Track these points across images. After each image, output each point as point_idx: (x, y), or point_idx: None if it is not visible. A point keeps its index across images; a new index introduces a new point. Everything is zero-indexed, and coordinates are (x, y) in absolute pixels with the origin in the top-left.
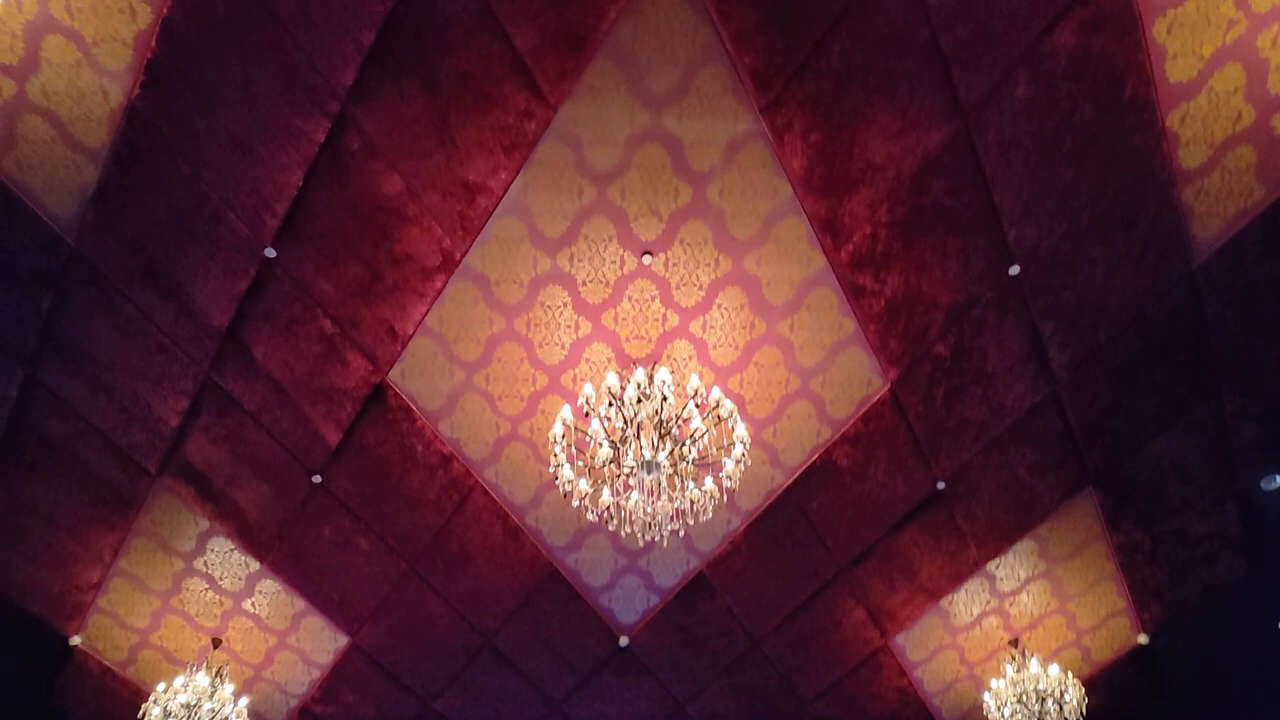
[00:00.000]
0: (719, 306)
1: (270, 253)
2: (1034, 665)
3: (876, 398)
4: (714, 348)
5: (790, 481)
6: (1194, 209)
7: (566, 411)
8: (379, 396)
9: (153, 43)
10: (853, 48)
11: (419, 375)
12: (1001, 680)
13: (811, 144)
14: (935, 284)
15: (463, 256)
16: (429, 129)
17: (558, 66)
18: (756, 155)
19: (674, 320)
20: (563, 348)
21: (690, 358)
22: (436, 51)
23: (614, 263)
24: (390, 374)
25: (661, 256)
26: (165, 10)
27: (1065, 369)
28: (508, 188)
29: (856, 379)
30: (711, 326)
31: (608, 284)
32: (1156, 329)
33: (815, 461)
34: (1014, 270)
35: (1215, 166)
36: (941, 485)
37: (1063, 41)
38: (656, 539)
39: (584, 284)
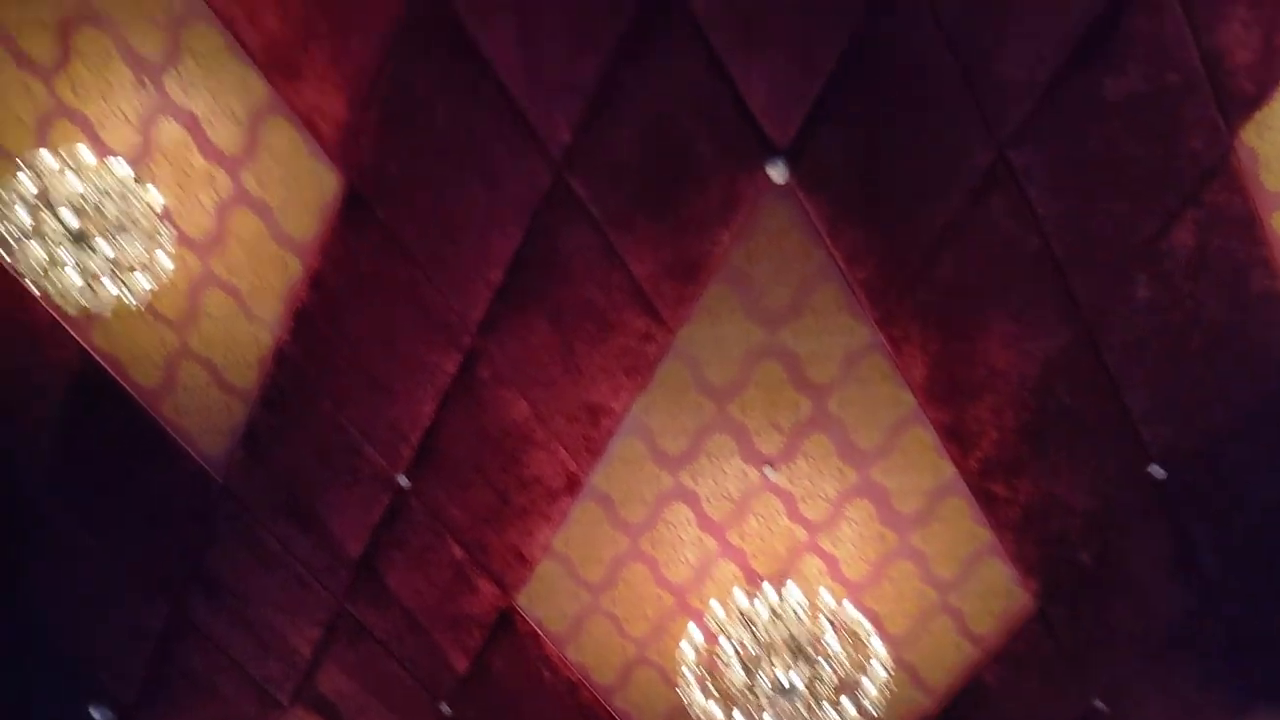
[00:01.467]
0: (847, 519)
1: (404, 482)
2: None
3: (1019, 610)
4: (845, 562)
5: (939, 706)
6: None
7: (695, 633)
8: (507, 622)
9: (302, 292)
10: (964, 259)
11: (545, 599)
12: None
13: (930, 353)
14: (1070, 489)
15: (587, 477)
16: (554, 356)
17: (675, 292)
18: (875, 367)
19: (802, 535)
20: (688, 566)
21: (821, 573)
22: (560, 284)
23: (737, 478)
24: (518, 599)
25: (785, 470)
26: (315, 263)
27: (1219, 572)
28: (629, 409)
29: (996, 590)
30: (841, 540)
31: (732, 500)
32: None
33: (963, 683)
34: (1153, 471)
35: None
36: (1099, 704)
37: (1180, 241)
38: None
39: (708, 500)
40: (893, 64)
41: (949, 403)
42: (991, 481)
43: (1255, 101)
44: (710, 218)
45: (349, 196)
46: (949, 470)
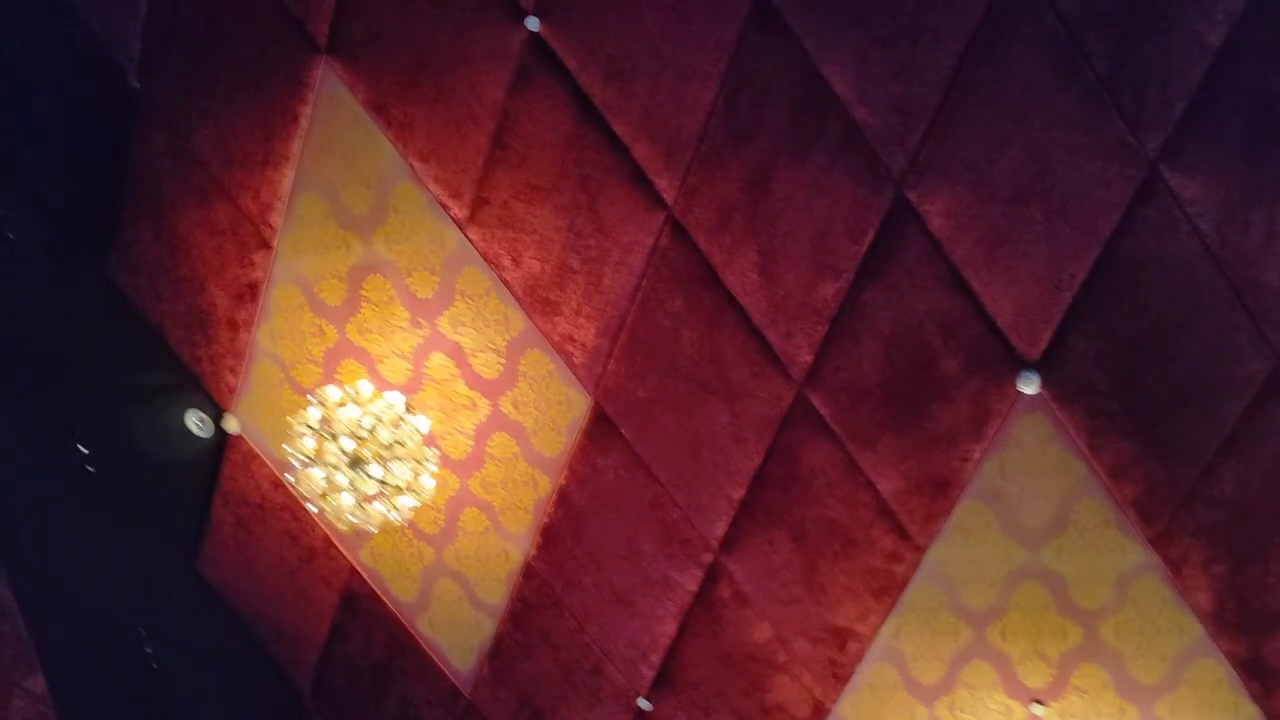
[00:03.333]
0: None
1: (644, 704)
2: None
3: None
4: None
5: None
6: None
7: None
8: None
9: (549, 508)
10: (1247, 475)
11: None
12: None
13: (1216, 577)
14: None
15: (834, 706)
16: (797, 576)
17: (924, 509)
18: (1153, 590)
19: None
20: None
21: None
22: (803, 502)
23: (1000, 713)
24: None
25: (1055, 706)
26: (562, 480)
27: None
28: (878, 633)
29: None
30: None
31: None
32: None
33: None
34: None
35: None
36: None
37: None
38: None
39: None
40: (1149, 273)
41: (1244, 633)
42: None
43: None
44: (959, 432)
45: (595, 417)
46: (1250, 711)
